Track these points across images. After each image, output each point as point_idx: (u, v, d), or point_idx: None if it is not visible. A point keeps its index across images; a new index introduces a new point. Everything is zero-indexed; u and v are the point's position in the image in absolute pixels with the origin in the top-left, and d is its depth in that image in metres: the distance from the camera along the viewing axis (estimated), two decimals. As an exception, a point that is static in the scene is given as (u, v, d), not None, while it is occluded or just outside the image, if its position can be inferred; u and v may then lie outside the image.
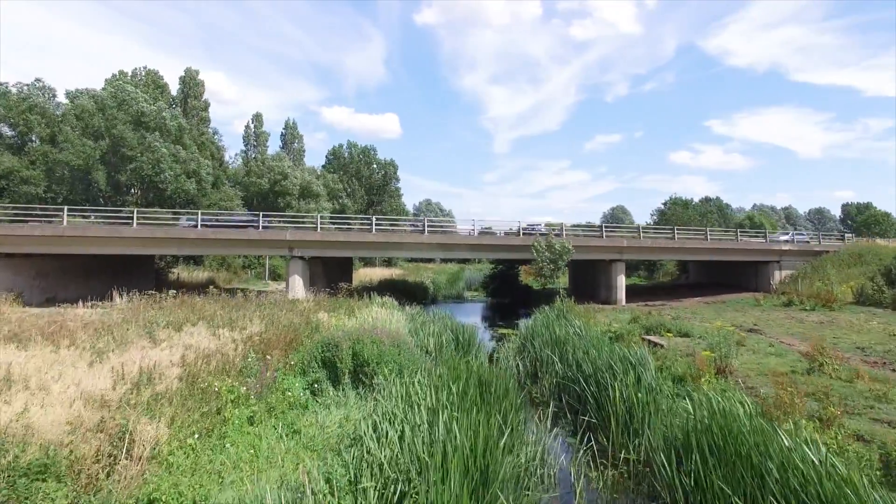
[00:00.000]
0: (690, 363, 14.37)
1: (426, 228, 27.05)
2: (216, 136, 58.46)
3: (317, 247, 25.91)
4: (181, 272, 36.47)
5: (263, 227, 25.54)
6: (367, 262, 57.19)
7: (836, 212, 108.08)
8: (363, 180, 69.56)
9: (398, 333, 13.36)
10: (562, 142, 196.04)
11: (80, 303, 18.94)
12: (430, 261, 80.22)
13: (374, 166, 70.67)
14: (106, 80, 44.73)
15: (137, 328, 12.38)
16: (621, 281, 31.80)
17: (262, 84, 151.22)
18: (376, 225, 26.75)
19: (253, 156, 59.57)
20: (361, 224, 27.39)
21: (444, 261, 73.90)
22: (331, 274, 32.28)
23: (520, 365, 16.68)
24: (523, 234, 29.21)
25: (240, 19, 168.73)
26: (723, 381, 13.15)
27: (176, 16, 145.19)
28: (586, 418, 11.59)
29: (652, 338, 19.23)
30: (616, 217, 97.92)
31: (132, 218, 25.49)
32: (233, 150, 63.46)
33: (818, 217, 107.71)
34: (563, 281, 53.09)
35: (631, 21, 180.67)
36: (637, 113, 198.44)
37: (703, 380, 12.93)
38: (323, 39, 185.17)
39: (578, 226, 37.24)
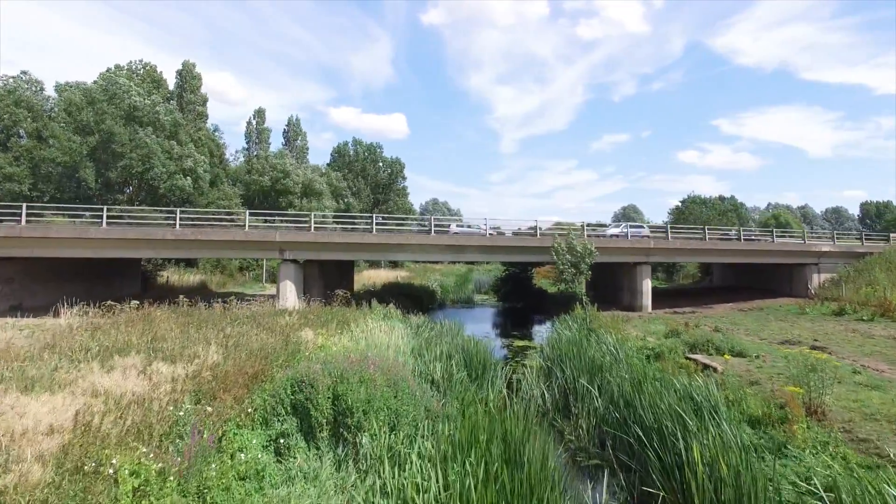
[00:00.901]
0: (766, 399, 11.11)
1: (433, 228, 23.91)
2: (216, 134, 55.69)
3: (310, 249, 22.81)
4: (171, 275, 33.58)
5: (251, 227, 22.51)
6: (372, 264, 54.10)
7: (854, 211, 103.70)
8: (369, 179, 66.55)
9: (395, 366, 10.15)
10: (569, 141, 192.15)
11: (59, 308, 16.03)
12: (437, 261, 77.21)
13: (380, 164, 67.64)
14: (100, 73, 41.88)
15: (51, 359, 9.28)
16: (647, 286, 28.44)
17: (268, 84, 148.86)
18: (378, 225, 23.59)
19: (255, 153, 56.68)
20: (367, 224, 24.24)
21: (452, 262, 70.68)
22: (329, 278, 29.18)
23: (545, 395, 13.43)
24: (540, 234, 25.98)
25: (246, 20, 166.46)
26: (819, 428, 9.88)
27: (182, 17, 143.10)
28: (648, 486, 8.34)
29: (699, 357, 15.91)
30: (628, 216, 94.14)
31: (117, 217, 22.70)
32: (237, 149, 61.57)
33: (835, 216, 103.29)
34: (579, 284, 50.18)
35: (638, 20, 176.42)
36: (644, 112, 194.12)
37: (795, 426, 9.66)
38: (329, 40, 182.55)
39: (601, 225, 33.84)
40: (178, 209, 21.77)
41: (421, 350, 14.75)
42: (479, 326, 29.40)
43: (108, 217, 20.79)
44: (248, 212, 22.10)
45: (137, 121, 39.79)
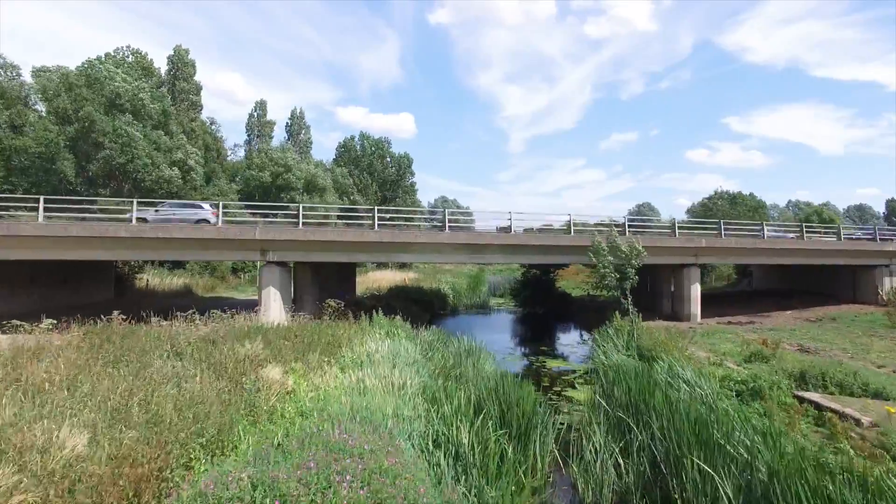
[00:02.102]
0: None
1: (447, 224, 19.40)
2: (214, 127, 51.57)
3: (299, 249, 18.37)
4: (153, 278, 29.33)
5: (226, 223, 18.12)
6: (380, 265, 49.66)
7: (878, 208, 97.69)
8: (376, 175, 62.13)
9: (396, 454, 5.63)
10: (577, 140, 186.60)
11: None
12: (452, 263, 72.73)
13: (388, 160, 63.19)
14: (84, 60, 37.72)
15: None
16: (696, 291, 23.72)
17: (277, 85, 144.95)
18: (381, 221, 19.05)
19: (256, 147, 52.44)
20: (370, 219, 19.74)
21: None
22: (326, 282, 24.73)
23: (613, 473, 8.81)
24: (574, 231, 21.33)
25: (255, 21, 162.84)
26: None
27: (191, 19, 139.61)
28: None
29: (819, 399, 11.21)
30: (643, 215, 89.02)
31: (82, 210, 18.49)
32: (236, 142, 57.14)
33: (858, 214, 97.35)
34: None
35: (646, 18, 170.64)
36: (653, 111, 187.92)
37: None
38: (338, 40, 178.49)
39: (646, 219, 29.11)
40: (135, 199, 17.37)
41: (437, 394, 10.19)
42: (499, 338, 24.84)
43: (47, 209, 16.46)
44: (221, 202, 17.70)
45: (120, 108, 35.64)
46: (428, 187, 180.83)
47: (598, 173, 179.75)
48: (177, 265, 33.64)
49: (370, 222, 19.01)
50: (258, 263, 18.86)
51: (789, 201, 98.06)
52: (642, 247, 19.28)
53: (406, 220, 29.58)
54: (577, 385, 15.45)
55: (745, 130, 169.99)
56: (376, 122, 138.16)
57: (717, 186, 56.70)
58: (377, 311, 18.09)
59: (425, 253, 19.82)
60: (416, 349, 15.78)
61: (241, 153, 53.69)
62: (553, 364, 18.52)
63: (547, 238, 20.58)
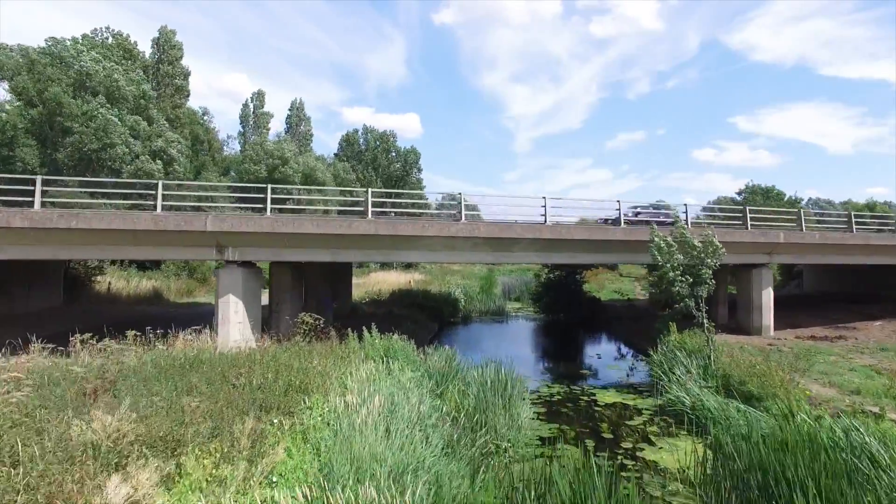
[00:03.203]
0: None
1: (463, 212, 14.51)
2: (206, 118, 47.01)
3: (266, 244, 13.56)
4: (117, 280, 24.61)
5: (165, 209, 13.27)
6: (384, 265, 44.81)
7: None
8: (380, 171, 57.27)
9: None
10: (583, 140, 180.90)
11: None
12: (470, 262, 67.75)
13: (393, 154, 58.33)
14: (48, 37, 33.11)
15: None
16: (768, 298, 18.75)
17: (283, 85, 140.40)
18: (375, 208, 14.20)
19: (251, 139, 47.76)
20: (362, 205, 14.49)
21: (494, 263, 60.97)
22: (314, 287, 19.95)
23: None
24: (625, 222, 16.37)
25: (263, 22, 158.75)
26: None
27: (199, 19, 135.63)
28: None
29: None
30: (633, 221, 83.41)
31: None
32: (229, 133, 52.13)
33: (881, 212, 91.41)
34: (624, 287, 38.49)
35: (653, 17, 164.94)
36: (660, 110, 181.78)
37: None
38: (344, 40, 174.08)
39: (708, 206, 24.12)
40: (40, 176, 12.52)
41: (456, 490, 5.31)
42: (523, 353, 19.94)
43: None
44: (161, 182, 12.86)
45: (92, 91, 31.06)
46: (434, 186, 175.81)
47: (605, 173, 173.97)
48: (154, 264, 28.97)
49: (361, 208, 14.12)
50: (215, 264, 14.02)
51: (809, 199, 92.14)
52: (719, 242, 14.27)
53: (412, 204, 24.71)
54: (651, 437, 10.49)
55: (752, 129, 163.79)
56: (382, 122, 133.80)
57: (748, 181, 51.03)
58: (373, 327, 13.19)
59: (435, 250, 14.91)
60: (422, 387, 10.95)
61: (238, 146, 49.08)
62: (604, 396, 13.56)
63: (595, 231, 15.55)
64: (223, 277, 13.48)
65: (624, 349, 21.21)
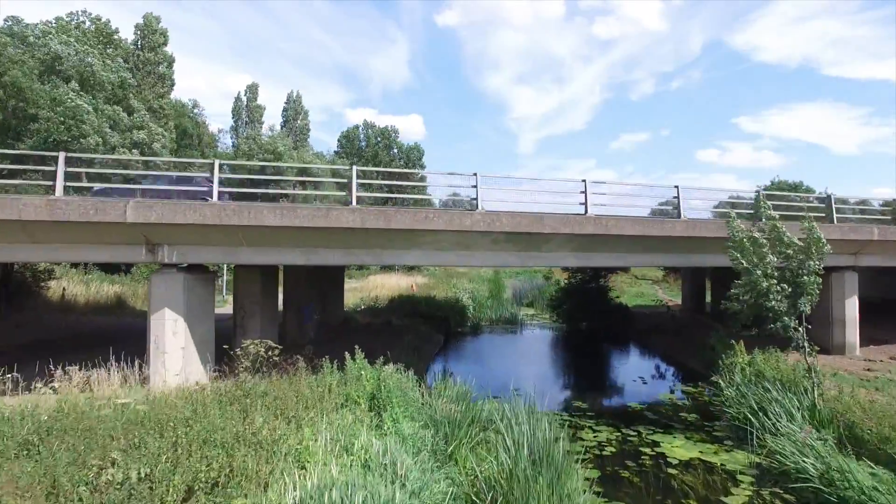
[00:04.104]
0: None
1: (479, 200, 10.74)
2: (196, 111, 43.49)
3: (214, 241, 9.86)
4: (75, 285, 20.94)
5: (66, 190, 9.53)
6: (384, 267, 41.08)
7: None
8: (382, 167, 53.67)
9: None
10: (587, 141, 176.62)
11: None
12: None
13: (395, 151, 54.70)
14: (8, 16, 29.64)
15: None
16: (853, 308, 15.01)
17: (287, 87, 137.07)
18: (362, 192, 10.48)
19: (244, 133, 44.19)
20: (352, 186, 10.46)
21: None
22: (296, 293, 16.30)
23: None
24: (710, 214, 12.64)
25: (266, 23, 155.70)
26: None
27: (203, 22, 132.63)
28: None
29: None
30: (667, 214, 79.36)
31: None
32: (220, 127, 48.29)
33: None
34: (644, 291, 33.75)
35: (656, 18, 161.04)
36: (664, 111, 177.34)
37: None
38: (348, 42, 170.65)
39: (784, 194, 20.21)
40: None
41: None
42: (546, 373, 16.24)
43: None
44: (63, 154, 9.13)
45: (63, 76, 27.57)
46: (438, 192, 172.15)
47: (609, 174, 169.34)
48: (126, 266, 25.35)
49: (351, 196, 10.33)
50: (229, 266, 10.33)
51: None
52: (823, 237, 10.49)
53: (412, 186, 20.95)
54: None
55: (756, 130, 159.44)
56: (385, 123, 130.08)
57: (774, 177, 47.11)
58: (358, 349, 9.49)
59: (442, 249, 11.17)
60: (425, 446, 7.28)
61: (230, 142, 45.54)
62: (673, 446, 9.75)
63: (651, 225, 11.76)
64: (156, 286, 9.81)
65: (663, 366, 17.46)
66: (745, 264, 10.22)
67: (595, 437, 10.40)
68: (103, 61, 29.63)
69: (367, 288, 28.21)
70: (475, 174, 10.66)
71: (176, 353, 9.87)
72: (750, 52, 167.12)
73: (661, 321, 21.68)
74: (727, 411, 11.08)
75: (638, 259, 13.35)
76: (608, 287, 23.75)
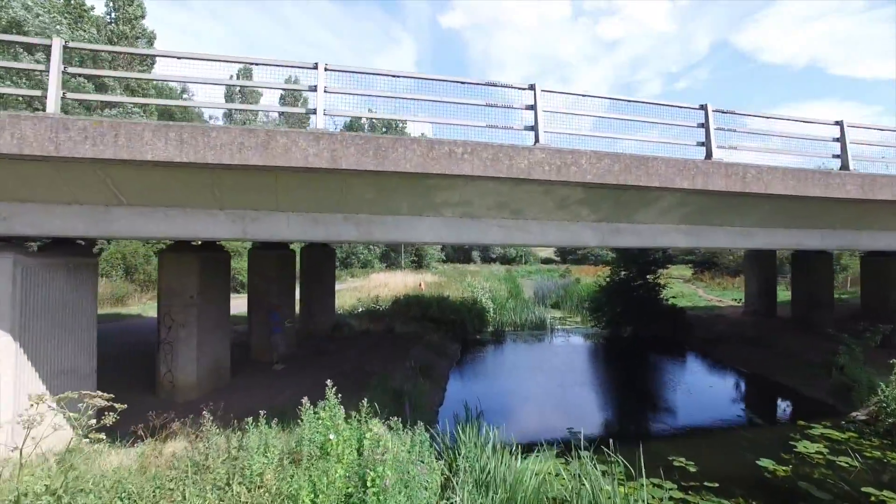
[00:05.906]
0: None
1: (540, 130, 6.24)
2: (185, 96, 39.11)
3: (51, 191, 5.31)
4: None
5: None
6: (388, 264, 36.49)
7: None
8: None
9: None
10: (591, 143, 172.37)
11: None
12: (468, 252, 58.61)
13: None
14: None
15: None
16: None
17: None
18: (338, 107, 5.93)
19: (236, 117, 39.80)
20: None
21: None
22: (266, 290, 11.73)
23: None
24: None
25: (273, 25, 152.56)
26: None
27: (211, 25, 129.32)
28: None
29: None
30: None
31: None
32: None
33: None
34: (684, 291, 27.72)
35: (663, 19, 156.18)
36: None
37: None
38: (354, 44, 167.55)
39: None
40: None
41: None
42: (603, 398, 11.56)
43: None
44: None
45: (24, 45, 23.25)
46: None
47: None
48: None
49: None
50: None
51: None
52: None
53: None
54: None
55: (763, 129, 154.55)
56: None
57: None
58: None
59: (476, 216, 6.56)
60: None
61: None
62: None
63: (811, 181, 6.96)
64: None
65: (754, 389, 12.72)
66: None
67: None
68: (71, 32, 25.32)
69: (368, 287, 23.62)
70: (534, 84, 6.00)
71: (6, 398, 5.30)
72: (757, 52, 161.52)
73: (726, 327, 16.93)
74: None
75: (771, 238, 8.58)
76: (661, 285, 18.96)
